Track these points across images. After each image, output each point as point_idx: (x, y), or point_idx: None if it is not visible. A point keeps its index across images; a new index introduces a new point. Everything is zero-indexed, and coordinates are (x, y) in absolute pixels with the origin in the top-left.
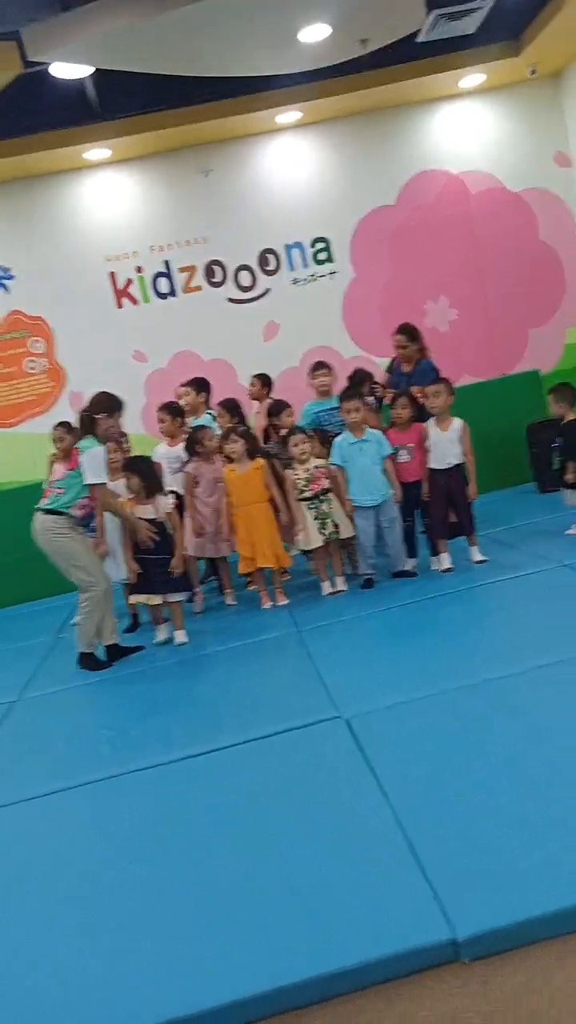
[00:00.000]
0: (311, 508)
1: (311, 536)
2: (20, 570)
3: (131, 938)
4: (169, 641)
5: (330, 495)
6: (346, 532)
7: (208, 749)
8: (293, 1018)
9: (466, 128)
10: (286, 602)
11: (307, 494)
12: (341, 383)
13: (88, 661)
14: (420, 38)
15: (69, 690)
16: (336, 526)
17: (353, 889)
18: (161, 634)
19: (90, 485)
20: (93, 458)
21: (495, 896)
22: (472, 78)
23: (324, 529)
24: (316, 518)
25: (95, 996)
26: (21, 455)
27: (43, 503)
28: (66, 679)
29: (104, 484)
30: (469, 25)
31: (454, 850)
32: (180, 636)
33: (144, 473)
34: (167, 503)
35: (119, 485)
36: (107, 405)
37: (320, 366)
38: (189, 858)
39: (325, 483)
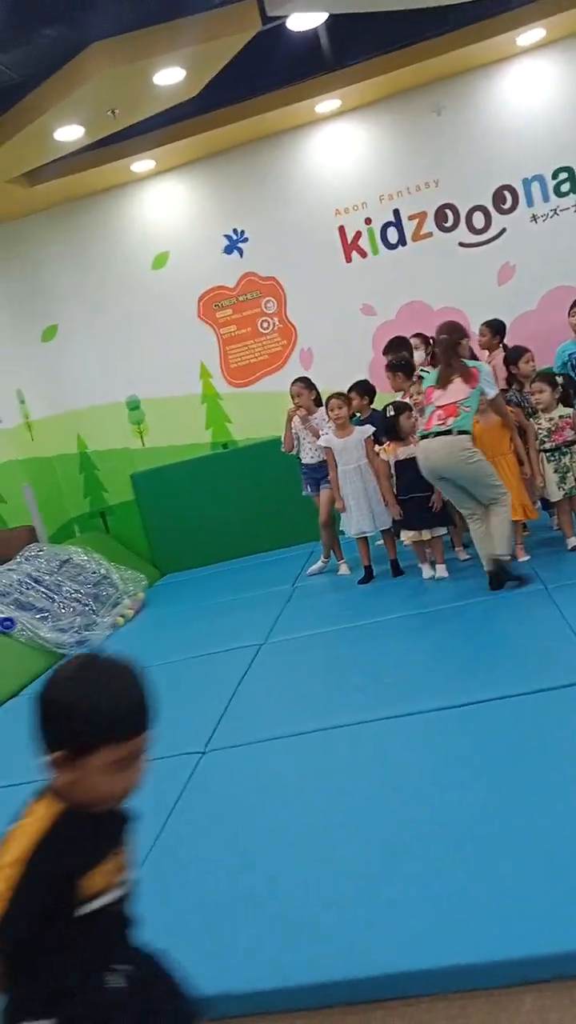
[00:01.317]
0: (551, 460)
1: (551, 489)
2: (259, 522)
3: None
4: (432, 577)
5: (573, 448)
6: None
7: (463, 702)
8: None
9: None
10: (527, 558)
11: (547, 445)
12: None
13: (504, 575)
14: None
15: (312, 636)
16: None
17: None
18: (427, 571)
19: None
20: (487, 374)
21: None
22: None
23: (564, 483)
24: (556, 471)
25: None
26: (256, 413)
27: (449, 423)
28: (306, 626)
29: (500, 394)
30: None
31: None
32: (441, 570)
33: (406, 415)
34: None
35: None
36: (463, 330)
37: None
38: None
39: (570, 434)
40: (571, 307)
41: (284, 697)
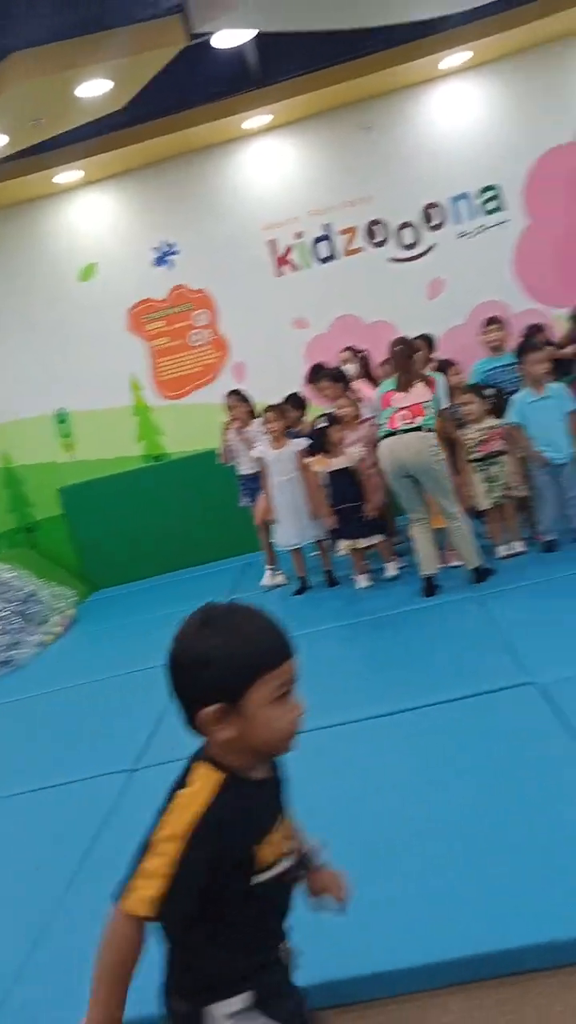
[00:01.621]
0: (480, 470)
1: (479, 498)
2: (193, 535)
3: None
4: (371, 587)
5: (502, 458)
6: (517, 493)
7: (393, 710)
8: None
9: None
10: (460, 563)
11: (476, 455)
12: (513, 340)
13: (485, 574)
14: None
15: None
16: (508, 488)
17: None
18: (361, 581)
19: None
20: (442, 385)
21: None
22: None
23: (493, 493)
24: (485, 480)
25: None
26: (189, 425)
27: (417, 421)
28: None
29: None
30: None
31: None
32: (391, 568)
33: (335, 428)
34: (358, 453)
35: (301, 442)
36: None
37: (492, 321)
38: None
39: (497, 445)
40: (484, 325)
41: None
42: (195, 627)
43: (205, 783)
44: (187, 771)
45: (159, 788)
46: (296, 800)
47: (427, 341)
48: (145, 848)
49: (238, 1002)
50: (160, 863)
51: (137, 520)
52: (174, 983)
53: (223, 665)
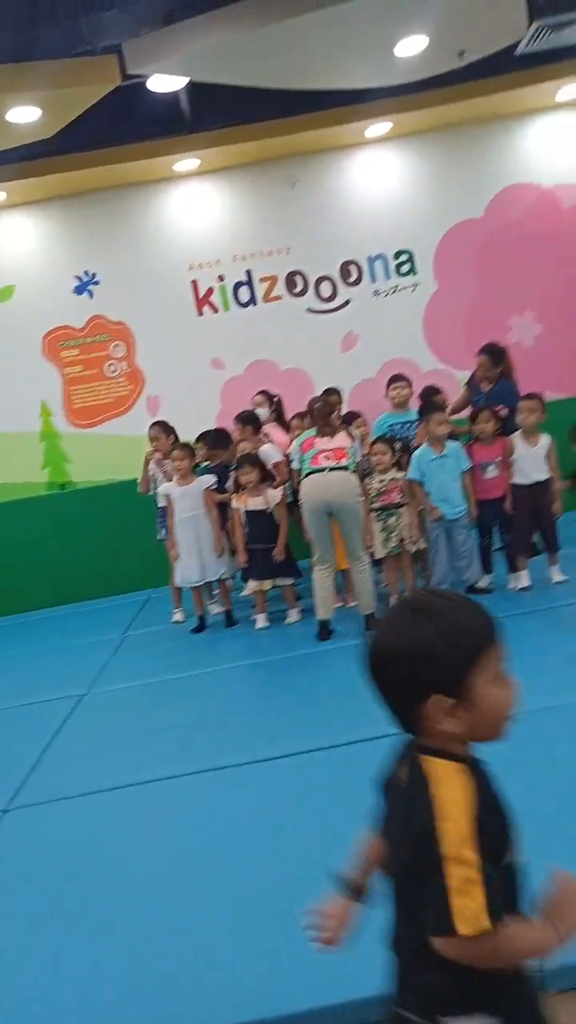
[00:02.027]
0: (379, 519)
1: (376, 547)
2: (95, 566)
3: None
4: (268, 627)
5: (400, 510)
6: (412, 546)
7: (285, 753)
8: None
9: (561, 141)
10: (355, 604)
11: (376, 504)
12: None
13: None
14: (520, 50)
15: (138, 687)
16: (401, 540)
17: None
18: (260, 622)
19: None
20: (359, 437)
21: None
22: (571, 89)
23: (389, 542)
24: (383, 530)
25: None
26: (99, 455)
27: (343, 462)
28: (133, 676)
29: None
30: (572, 36)
31: None
32: (293, 614)
33: (259, 465)
34: (275, 495)
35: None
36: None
37: (397, 378)
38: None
39: (397, 497)
40: (388, 382)
41: (101, 751)
42: (405, 617)
43: (453, 777)
44: (417, 777)
45: (33, 832)
46: (174, 846)
47: (337, 395)
48: (435, 867)
49: (478, 1021)
50: (468, 872)
51: (36, 548)
52: (408, 992)
53: (445, 653)
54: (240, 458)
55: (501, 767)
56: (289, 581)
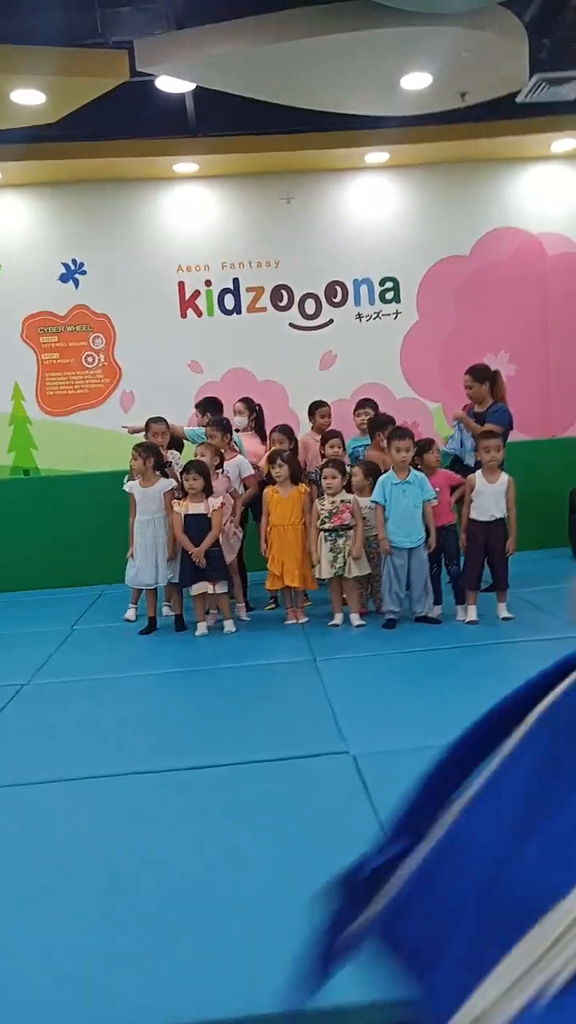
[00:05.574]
0: (327, 540)
1: (323, 567)
2: (52, 556)
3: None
4: (207, 634)
5: (349, 532)
6: (356, 571)
7: (211, 763)
8: None
9: (552, 191)
10: (305, 620)
11: (326, 525)
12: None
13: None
14: (520, 99)
15: (80, 682)
16: (344, 563)
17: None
18: (201, 629)
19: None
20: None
21: None
22: (565, 143)
23: (335, 563)
24: (331, 551)
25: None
26: (66, 445)
27: None
28: (76, 671)
29: None
30: (569, 92)
31: None
32: (228, 625)
33: (205, 475)
34: (215, 502)
35: (168, 482)
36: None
37: (364, 403)
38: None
39: (347, 518)
40: (355, 407)
41: (34, 743)
42: None
43: None
44: None
45: None
46: (94, 848)
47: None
48: None
49: None
50: None
51: None
52: None
53: None
54: (188, 463)
55: None
56: (222, 588)
